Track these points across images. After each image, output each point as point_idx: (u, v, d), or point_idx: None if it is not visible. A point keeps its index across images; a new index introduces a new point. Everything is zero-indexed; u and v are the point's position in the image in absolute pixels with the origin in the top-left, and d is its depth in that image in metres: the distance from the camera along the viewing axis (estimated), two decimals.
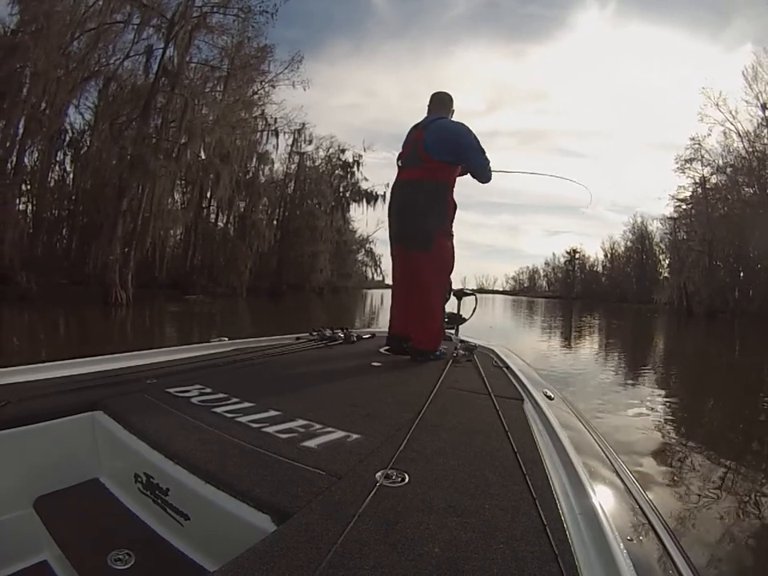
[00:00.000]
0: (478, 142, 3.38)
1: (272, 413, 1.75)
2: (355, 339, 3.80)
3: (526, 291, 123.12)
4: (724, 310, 37.95)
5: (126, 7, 23.48)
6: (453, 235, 3.52)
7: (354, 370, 2.90)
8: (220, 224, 37.92)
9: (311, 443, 1.46)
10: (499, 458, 1.42)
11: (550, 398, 2.26)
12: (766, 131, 36.67)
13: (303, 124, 41.13)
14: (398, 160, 3.63)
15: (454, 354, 3.23)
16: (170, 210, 29.09)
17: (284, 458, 1.33)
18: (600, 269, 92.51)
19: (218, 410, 1.76)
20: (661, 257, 65.19)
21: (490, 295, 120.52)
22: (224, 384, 2.14)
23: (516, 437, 1.56)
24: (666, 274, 55.53)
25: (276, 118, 37.22)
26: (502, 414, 1.83)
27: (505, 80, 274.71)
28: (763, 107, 35.89)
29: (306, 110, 57.30)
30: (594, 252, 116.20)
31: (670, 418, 6.61)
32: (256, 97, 33.47)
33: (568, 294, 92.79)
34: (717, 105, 38.17)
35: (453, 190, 3.49)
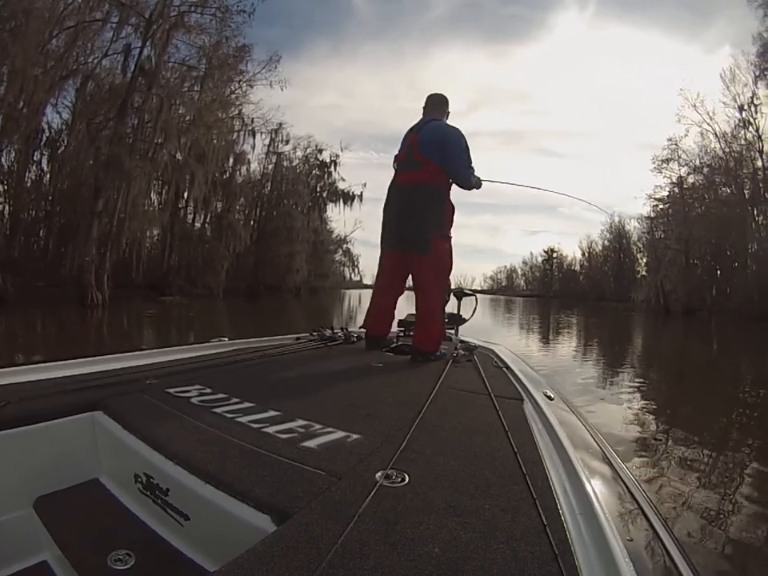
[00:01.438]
0: (467, 147, 3.47)
1: (272, 413, 1.80)
2: (355, 339, 3.85)
3: (504, 290, 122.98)
4: (701, 308, 39.31)
5: (105, 5, 23.60)
6: (451, 237, 3.60)
7: (354, 370, 2.94)
8: (197, 224, 38.24)
9: (311, 443, 1.50)
10: (499, 458, 1.45)
11: (549, 398, 2.32)
12: (743, 132, 38.20)
13: (280, 124, 41.67)
14: (394, 162, 3.68)
15: (454, 354, 3.30)
16: (145, 211, 29.37)
17: (284, 458, 1.37)
18: (578, 268, 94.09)
19: (218, 410, 1.81)
20: (638, 255, 66.50)
21: None
22: (224, 384, 2.20)
23: (516, 437, 1.60)
24: (643, 273, 56.92)
25: (253, 118, 37.63)
26: (501, 414, 1.87)
27: (486, 81, 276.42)
28: (740, 109, 37.40)
29: (284, 110, 58.04)
30: (572, 251, 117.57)
31: (654, 415, 6.83)
32: (233, 96, 33.82)
33: (546, 293, 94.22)
34: (694, 106, 39.93)
35: (450, 193, 3.57)
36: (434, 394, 2.16)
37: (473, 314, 4.97)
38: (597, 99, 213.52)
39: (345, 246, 55.16)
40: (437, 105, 3.72)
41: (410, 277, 3.65)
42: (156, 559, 1.30)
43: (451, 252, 3.60)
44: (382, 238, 3.73)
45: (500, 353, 3.46)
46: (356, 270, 58.76)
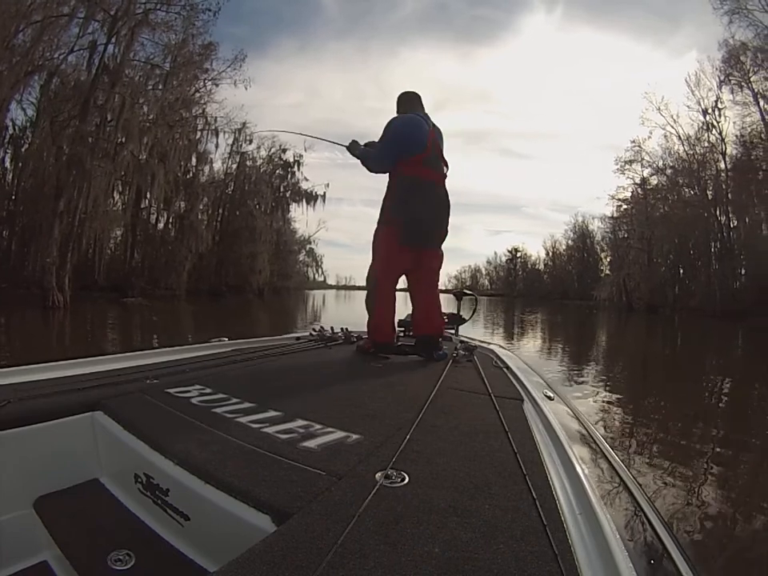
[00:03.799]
0: None
1: (272, 413, 1.84)
2: (355, 339, 3.92)
3: (468, 290, 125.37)
4: (663, 305, 41.45)
5: (72, 0, 23.90)
6: None
7: (354, 370, 3.03)
8: (160, 225, 38.51)
9: (311, 443, 1.53)
10: (499, 458, 1.48)
11: (549, 398, 2.38)
12: (706, 135, 40.36)
13: (244, 123, 42.21)
14: (414, 151, 3.46)
15: (454, 354, 3.36)
16: (107, 211, 29.49)
17: (284, 458, 1.40)
18: (542, 267, 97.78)
19: (218, 410, 1.84)
20: (602, 255, 69.00)
21: None
22: (224, 384, 2.24)
23: (516, 437, 1.63)
24: (607, 272, 59.20)
25: (216, 117, 37.91)
26: (501, 414, 1.91)
27: (452, 81, 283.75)
28: (704, 112, 39.53)
29: (249, 109, 57.81)
30: (536, 251, 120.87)
31: (636, 410, 7.09)
32: (197, 95, 34.18)
33: (510, 292, 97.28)
34: (659, 109, 42.33)
35: None
36: (434, 393, 2.22)
37: (473, 314, 5.23)
38: (561, 101, 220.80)
39: (308, 246, 56.09)
40: (418, 101, 3.72)
41: (405, 276, 3.70)
42: (156, 559, 1.35)
43: None
44: (405, 232, 3.45)
45: (500, 353, 3.56)
46: (320, 271, 60.10)
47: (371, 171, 3.64)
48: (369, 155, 3.65)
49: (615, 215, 50.51)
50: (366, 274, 3.70)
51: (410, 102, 3.69)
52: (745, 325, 27.11)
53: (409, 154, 3.45)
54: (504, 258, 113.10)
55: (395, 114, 3.67)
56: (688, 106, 40.51)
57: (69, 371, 2.32)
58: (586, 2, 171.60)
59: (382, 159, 3.55)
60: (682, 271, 44.79)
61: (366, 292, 3.67)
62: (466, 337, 4.45)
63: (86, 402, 1.83)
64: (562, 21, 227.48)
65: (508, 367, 3.01)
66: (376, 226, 3.64)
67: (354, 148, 3.78)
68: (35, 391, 1.87)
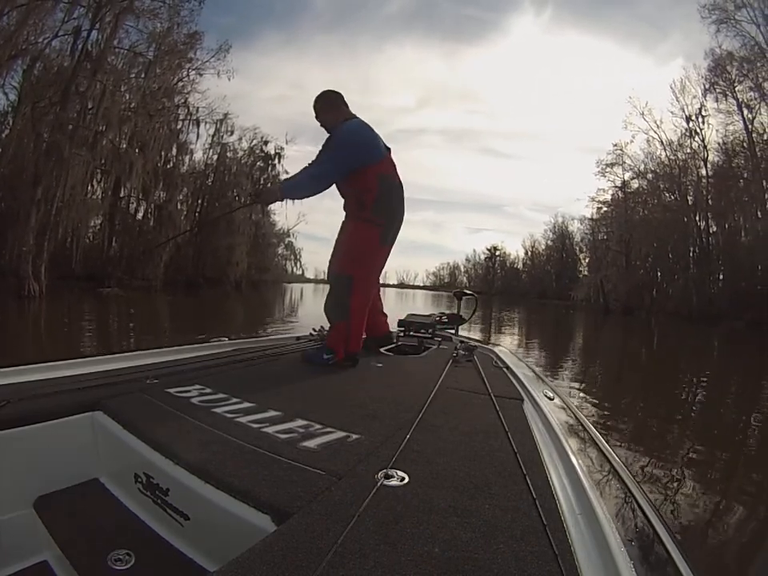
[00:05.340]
0: None
1: (272, 413, 1.86)
2: None
3: (446, 287, 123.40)
4: (640, 308, 42.35)
5: None
6: None
7: (353, 370, 3.03)
8: (139, 215, 38.24)
9: (311, 443, 1.56)
10: (499, 458, 1.51)
11: (549, 398, 2.41)
12: (689, 141, 41.36)
13: (226, 114, 42.42)
14: (386, 152, 3.41)
15: (454, 354, 3.39)
16: (85, 200, 29.34)
17: (284, 458, 1.42)
18: (520, 266, 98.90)
19: (218, 410, 1.86)
20: (581, 256, 70.26)
21: (411, 290, 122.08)
22: (224, 384, 2.26)
23: (516, 437, 1.66)
24: (585, 273, 60.48)
25: (198, 108, 37.95)
26: (501, 414, 1.93)
27: (437, 79, 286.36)
28: (688, 119, 40.51)
29: (231, 100, 58.10)
30: (515, 250, 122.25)
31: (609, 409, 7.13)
32: (180, 85, 34.27)
33: (488, 290, 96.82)
34: (642, 114, 43.43)
35: None
36: (434, 393, 2.25)
37: (473, 314, 5.29)
38: (546, 103, 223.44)
39: (287, 239, 55.92)
40: (345, 102, 3.49)
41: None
42: (156, 559, 1.36)
43: None
44: (387, 232, 3.39)
45: (500, 353, 3.61)
46: (298, 264, 59.65)
47: (329, 184, 3.29)
48: (319, 170, 3.22)
49: (595, 217, 51.76)
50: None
51: (340, 102, 3.43)
52: (720, 329, 27.79)
53: (379, 157, 3.30)
54: (483, 256, 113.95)
55: (316, 110, 3.44)
56: (672, 112, 41.62)
57: (69, 371, 2.34)
58: (575, 6, 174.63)
59: (336, 164, 3.20)
60: (659, 274, 45.65)
61: (329, 293, 3.41)
62: (466, 336, 4.55)
63: (85, 401, 1.85)
64: (550, 23, 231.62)
65: (508, 367, 3.08)
66: (352, 222, 3.43)
67: (283, 188, 3.35)
68: (35, 391, 1.87)
